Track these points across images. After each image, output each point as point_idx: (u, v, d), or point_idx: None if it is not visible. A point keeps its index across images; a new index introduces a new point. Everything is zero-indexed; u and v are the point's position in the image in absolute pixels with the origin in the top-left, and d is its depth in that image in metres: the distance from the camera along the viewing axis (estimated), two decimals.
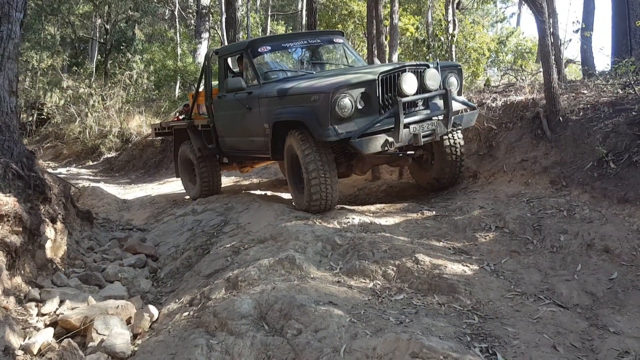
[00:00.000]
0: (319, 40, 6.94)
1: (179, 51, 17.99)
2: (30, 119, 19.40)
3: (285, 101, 5.56)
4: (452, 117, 5.32)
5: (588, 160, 4.91)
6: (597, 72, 7.91)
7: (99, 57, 22.27)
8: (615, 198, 4.36)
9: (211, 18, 19.19)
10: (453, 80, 5.68)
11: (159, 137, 11.32)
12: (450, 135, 5.69)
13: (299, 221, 5.19)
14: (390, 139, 4.97)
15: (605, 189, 4.50)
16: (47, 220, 4.80)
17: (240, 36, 17.39)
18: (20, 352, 3.42)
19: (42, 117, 19.19)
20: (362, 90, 5.04)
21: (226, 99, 6.66)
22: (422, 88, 5.25)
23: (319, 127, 5.02)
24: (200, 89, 7.58)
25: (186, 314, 3.72)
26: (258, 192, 7.71)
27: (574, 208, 4.53)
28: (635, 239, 3.77)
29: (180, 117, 8.61)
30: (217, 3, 18.98)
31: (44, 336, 3.58)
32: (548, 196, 4.89)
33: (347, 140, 4.98)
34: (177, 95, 17.60)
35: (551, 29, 7.49)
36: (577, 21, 8.31)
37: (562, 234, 4.22)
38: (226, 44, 16.01)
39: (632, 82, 5.67)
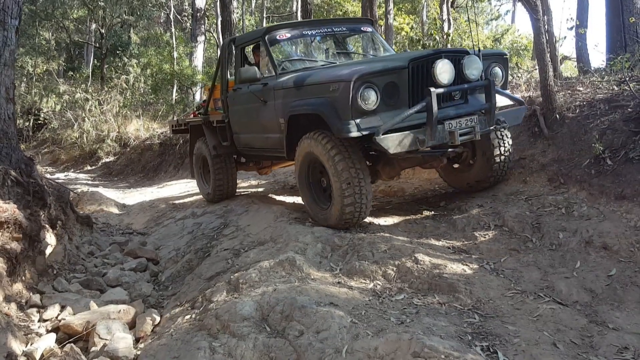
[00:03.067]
0: (344, 29, 6.30)
1: (175, 55, 17.99)
2: (27, 124, 19.40)
3: (302, 92, 4.98)
4: (496, 113, 4.68)
5: (585, 158, 4.93)
6: (592, 69, 7.95)
7: (95, 62, 22.26)
8: (613, 195, 4.38)
9: (207, 21, 19.21)
10: (497, 71, 5.02)
11: (177, 135, 11.03)
12: (495, 133, 5.08)
13: (298, 223, 5.21)
14: (422, 137, 4.33)
15: (603, 185, 4.52)
16: (46, 226, 4.81)
17: None
18: (22, 359, 3.43)
19: (39, 122, 19.21)
20: (389, 79, 4.42)
21: (241, 92, 6.13)
22: (460, 78, 4.58)
23: (338, 121, 4.40)
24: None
25: (188, 316, 3.73)
26: (257, 194, 7.72)
27: (572, 205, 4.55)
28: (633, 235, 3.80)
29: (197, 113, 8.13)
30: (213, 6, 19.02)
31: (46, 342, 3.59)
32: (546, 194, 4.91)
33: (370, 137, 4.34)
34: (174, 99, 17.61)
35: (546, 27, 7.52)
36: (572, 18, 8.35)
37: (561, 232, 4.24)
38: None
39: (627, 79, 5.70)
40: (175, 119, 9.56)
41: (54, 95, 18.23)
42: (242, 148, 6.63)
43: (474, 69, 4.58)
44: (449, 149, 4.84)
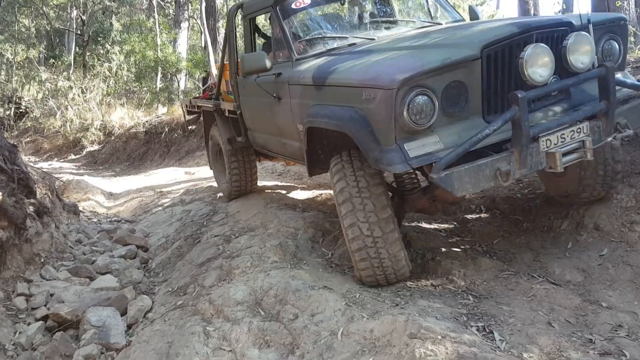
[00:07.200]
0: None
1: (159, 41, 17.74)
2: (8, 113, 19.05)
3: (323, 94, 3.51)
4: (616, 115, 3.10)
5: None
6: None
7: (77, 49, 21.88)
8: None
9: (190, 7, 18.94)
10: (613, 46, 3.37)
11: (191, 117, 10.02)
12: None
13: (289, 208, 5.18)
14: (505, 167, 2.83)
15: None
16: (33, 214, 4.72)
17: (221, 25, 17.20)
18: (11, 347, 3.38)
19: (20, 111, 18.87)
20: (453, 77, 2.91)
21: (252, 79, 4.55)
22: (560, 67, 3.07)
23: (375, 147, 2.96)
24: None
25: (181, 302, 3.70)
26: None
27: None
28: (623, 215, 3.81)
29: (209, 95, 6.67)
30: None
31: (35, 330, 3.54)
32: (537, 176, 4.92)
33: (425, 169, 3.03)
34: (158, 87, 17.40)
35: (533, 11, 7.53)
36: (558, 2, 8.37)
37: (552, 213, 4.26)
38: (206, 33, 15.83)
39: None
40: (188, 98, 8.49)
41: (36, 83, 17.91)
42: (259, 148, 5.35)
43: (583, 53, 3.07)
44: None
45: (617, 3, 7.67)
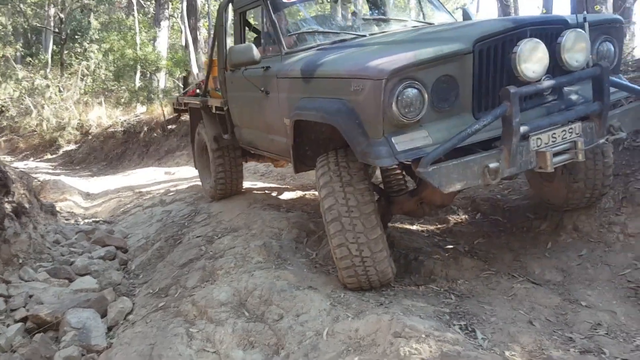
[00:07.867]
0: None
1: (139, 40, 17.54)
2: None
3: (311, 87, 3.47)
4: (609, 117, 3.10)
5: None
6: None
7: (54, 47, 21.54)
8: None
9: (170, 5, 18.78)
10: (608, 48, 3.34)
11: (177, 114, 9.93)
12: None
13: (273, 209, 5.17)
14: (493, 165, 2.80)
15: None
16: (11, 214, 4.64)
17: (201, 24, 17.09)
18: None
19: None
20: (444, 71, 2.86)
21: (239, 73, 4.56)
22: (554, 65, 3.02)
23: (362, 140, 2.90)
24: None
25: (162, 304, 3.67)
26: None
27: None
28: (602, 216, 3.88)
29: (196, 92, 6.66)
30: None
31: (15, 332, 3.47)
32: (517, 177, 4.99)
33: (412, 164, 2.88)
34: (137, 86, 17.22)
35: (513, 14, 7.63)
36: (538, 7, 8.50)
37: (532, 214, 4.32)
38: (187, 32, 15.71)
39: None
40: (175, 96, 8.34)
41: (12, 82, 17.58)
42: (246, 145, 5.24)
43: (578, 51, 3.02)
44: None
45: (596, 7, 7.78)
